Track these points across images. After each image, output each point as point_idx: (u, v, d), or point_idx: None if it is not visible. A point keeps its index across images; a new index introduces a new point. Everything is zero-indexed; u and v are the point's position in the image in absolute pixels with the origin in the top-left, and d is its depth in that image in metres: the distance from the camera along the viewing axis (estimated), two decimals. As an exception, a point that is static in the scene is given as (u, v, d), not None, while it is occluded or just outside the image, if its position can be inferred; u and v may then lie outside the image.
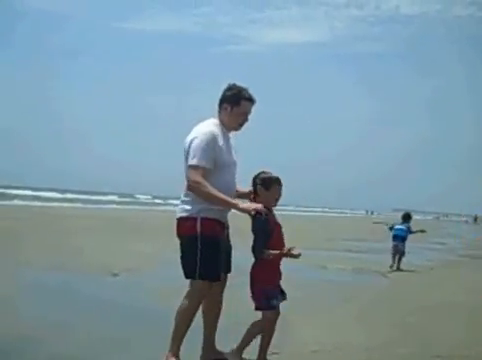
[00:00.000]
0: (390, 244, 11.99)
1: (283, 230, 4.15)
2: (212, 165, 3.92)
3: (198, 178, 3.85)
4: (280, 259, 4.09)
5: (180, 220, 4.01)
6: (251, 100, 4.14)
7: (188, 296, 3.98)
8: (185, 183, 3.98)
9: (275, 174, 4.11)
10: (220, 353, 4.20)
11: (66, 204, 40.34)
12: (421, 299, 7.74)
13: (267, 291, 3.99)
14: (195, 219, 3.91)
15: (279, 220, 4.14)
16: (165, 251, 11.11)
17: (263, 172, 4.11)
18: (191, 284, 3.99)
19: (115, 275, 8.33)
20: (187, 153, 3.96)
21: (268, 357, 4.19)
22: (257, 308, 4.04)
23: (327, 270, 10.72)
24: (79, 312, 5.85)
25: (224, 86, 4.19)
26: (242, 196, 4.26)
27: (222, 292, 4.20)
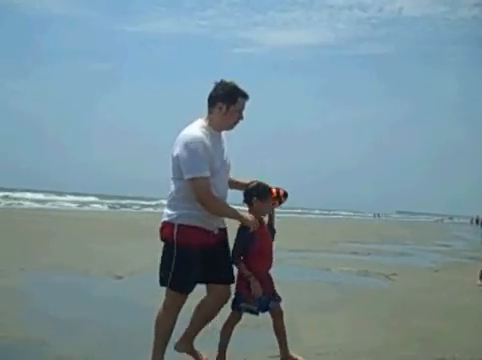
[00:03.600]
0: None
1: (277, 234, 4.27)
2: (209, 171, 3.73)
3: (202, 191, 3.69)
4: (266, 268, 4.14)
5: (162, 224, 3.87)
6: (246, 96, 3.91)
7: (164, 306, 3.90)
8: (172, 187, 3.86)
9: (269, 185, 4.14)
10: (194, 351, 4.09)
11: (85, 208, 40.61)
12: (425, 302, 7.72)
13: (239, 295, 4.05)
14: (173, 225, 3.76)
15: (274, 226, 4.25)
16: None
17: (259, 183, 4.12)
18: (166, 292, 3.90)
19: (119, 278, 8.34)
20: (178, 166, 3.76)
21: (272, 359, 4.22)
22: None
23: (331, 272, 10.70)
24: (82, 315, 5.85)
25: (212, 83, 3.88)
26: (241, 187, 4.16)
27: (221, 306, 4.00)
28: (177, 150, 3.74)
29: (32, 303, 6.37)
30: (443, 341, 5.30)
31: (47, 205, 40.72)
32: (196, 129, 3.79)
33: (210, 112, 3.90)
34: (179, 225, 3.74)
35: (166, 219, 3.83)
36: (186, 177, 3.70)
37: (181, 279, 3.79)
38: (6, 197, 44.08)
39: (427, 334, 5.56)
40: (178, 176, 3.80)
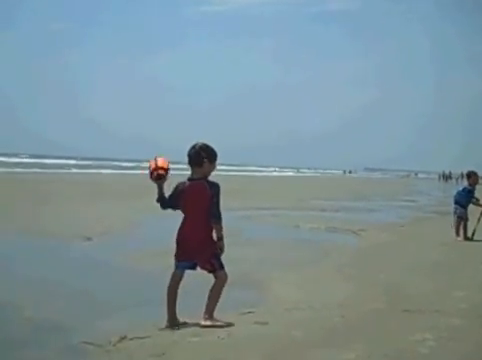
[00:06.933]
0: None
1: None
2: None
3: None
4: None
5: None
6: None
7: None
8: None
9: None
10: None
11: (47, 170, 39.76)
12: (392, 256, 7.90)
13: (218, 253, 4.06)
14: None
15: None
16: (135, 214, 11.06)
17: (207, 145, 4.10)
18: None
19: (89, 239, 8.29)
20: None
21: (243, 316, 4.27)
22: (212, 271, 4.06)
23: (300, 229, 10.83)
24: (49, 277, 5.83)
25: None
26: None
27: None
28: None
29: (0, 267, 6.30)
30: (409, 294, 5.44)
31: (22, 169, 39.73)
32: None
33: None
34: None
35: None
36: None
37: None
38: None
39: (394, 287, 5.70)
40: None
